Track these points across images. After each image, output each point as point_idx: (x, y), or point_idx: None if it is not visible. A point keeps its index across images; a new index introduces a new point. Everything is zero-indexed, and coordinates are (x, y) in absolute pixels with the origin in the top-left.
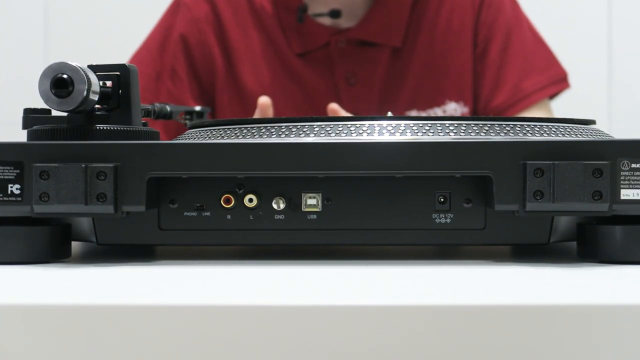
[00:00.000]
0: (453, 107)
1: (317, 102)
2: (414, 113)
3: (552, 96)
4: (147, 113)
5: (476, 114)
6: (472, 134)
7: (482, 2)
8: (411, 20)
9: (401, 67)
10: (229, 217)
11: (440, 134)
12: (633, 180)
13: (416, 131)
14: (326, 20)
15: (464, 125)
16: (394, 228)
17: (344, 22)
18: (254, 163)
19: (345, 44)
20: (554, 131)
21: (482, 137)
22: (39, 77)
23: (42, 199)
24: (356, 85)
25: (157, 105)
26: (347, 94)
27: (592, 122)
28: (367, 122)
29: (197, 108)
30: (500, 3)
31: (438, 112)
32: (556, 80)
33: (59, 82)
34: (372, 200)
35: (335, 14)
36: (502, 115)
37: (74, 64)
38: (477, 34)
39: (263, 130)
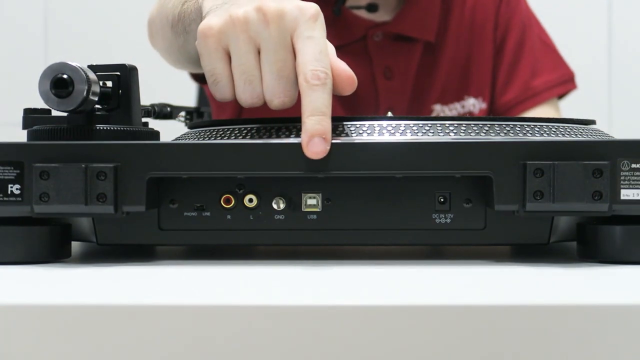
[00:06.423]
0: (472, 103)
1: (357, 91)
2: (437, 107)
3: (560, 96)
4: (147, 113)
5: (492, 110)
6: (472, 134)
7: None
8: (441, 16)
9: (432, 62)
10: (229, 217)
11: (440, 134)
12: (633, 180)
13: (416, 131)
14: (362, 14)
15: (464, 125)
16: (394, 228)
17: (379, 16)
18: (254, 163)
19: (382, 37)
20: (554, 131)
21: (482, 137)
22: (39, 77)
23: (42, 199)
24: (392, 79)
25: (157, 105)
26: (384, 87)
27: (592, 122)
28: (367, 122)
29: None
30: (517, 1)
31: (457, 107)
32: (565, 81)
33: (59, 82)
34: (372, 200)
35: (372, 7)
36: (511, 111)
37: (74, 64)
38: (496, 29)
39: (263, 131)
